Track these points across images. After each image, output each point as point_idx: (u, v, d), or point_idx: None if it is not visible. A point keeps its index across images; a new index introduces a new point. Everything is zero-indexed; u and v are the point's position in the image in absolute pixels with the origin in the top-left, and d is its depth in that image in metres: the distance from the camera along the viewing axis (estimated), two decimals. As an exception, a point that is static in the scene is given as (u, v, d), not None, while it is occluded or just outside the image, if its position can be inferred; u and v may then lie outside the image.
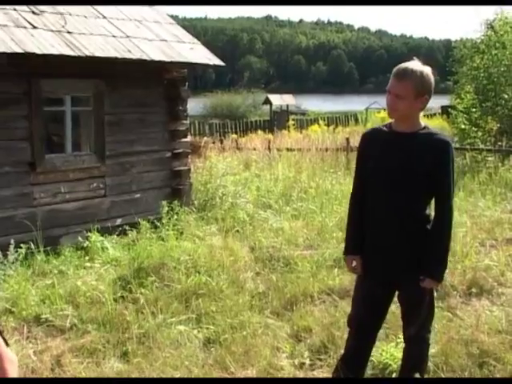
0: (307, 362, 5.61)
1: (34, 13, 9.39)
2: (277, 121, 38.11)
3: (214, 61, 11.44)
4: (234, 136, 25.60)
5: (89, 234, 9.26)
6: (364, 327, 4.69)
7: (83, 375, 5.40)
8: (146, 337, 6.09)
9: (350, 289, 5.88)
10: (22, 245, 8.24)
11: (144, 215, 10.08)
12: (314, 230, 9.75)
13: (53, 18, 9.57)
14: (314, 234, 9.59)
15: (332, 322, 6.19)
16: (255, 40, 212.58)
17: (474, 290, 7.16)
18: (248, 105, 49.17)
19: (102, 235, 9.32)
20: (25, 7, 9.37)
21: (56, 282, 7.42)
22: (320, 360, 5.63)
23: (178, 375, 5.32)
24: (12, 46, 8.34)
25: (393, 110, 4.36)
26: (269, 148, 19.22)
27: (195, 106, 36.18)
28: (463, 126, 19.39)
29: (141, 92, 10.56)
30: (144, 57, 10.02)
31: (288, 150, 18.61)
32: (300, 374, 5.41)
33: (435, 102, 41.10)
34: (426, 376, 4.89)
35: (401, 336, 4.91)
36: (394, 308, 5.02)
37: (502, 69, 19.10)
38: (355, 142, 13.56)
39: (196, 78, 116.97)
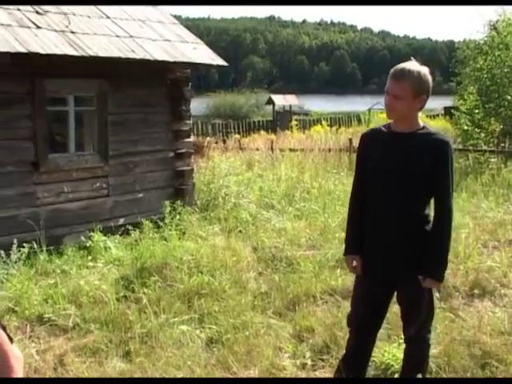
0: (309, 362, 5.62)
1: (37, 13, 9.41)
2: (280, 121, 38.10)
3: (217, 61, 11.46)
4: (237, 136, 25.58)
5: (92, 233, 9.27)
6: (364, 327, 4.70)
7: (86, 375, 5.41)
8: (148, 336, 6.09)
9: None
10: (24, 244, 8.26)
11: (147, 215, 10.09)
12: (316, 231, 9.75)
13: (56, 17, 9.58)
14: (316, 234, 9.59)
15: (334, 323, 6.20)
16: (258, 40, 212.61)
17: (476, 291, 7.16)
18: (251, 105, 49.17)
19: (105, 235, 9.33)
20: (29, 7, 9.38)
21: (59, 282, 7.43)
22: (322, 360, 5.64)
23: (180, 375, 5.33)
24: (16, 45, 8.35)
25: (391, 110, 4.37)
26: (272, 148, 19.22)
27: (198, 106, 36.21)
28: (466, 127, 19.38)
29: (144, 92, 10.57)
30: (147, 57, 10.03)
31: (291, 150, 18.61)
32: (302, 375, 5.42)
33: (438, 103, 41.10)
34: (427, 376, 4.90)
35: (403, 336, 4.91)
36: (396, 308, 5.03)
37: (506, 70, 19.07)
38: (358, 142, 13.56)
39: (199, 78, 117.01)
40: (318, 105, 63.26)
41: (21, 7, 9.25)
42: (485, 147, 17.46)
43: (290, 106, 44.04)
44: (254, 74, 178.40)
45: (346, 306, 6.42)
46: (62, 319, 6.51)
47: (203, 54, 11.30)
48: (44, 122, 9.24)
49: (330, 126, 32.74)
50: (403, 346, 4.81)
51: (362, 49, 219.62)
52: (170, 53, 10.54)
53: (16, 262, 8.02)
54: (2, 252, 8.03)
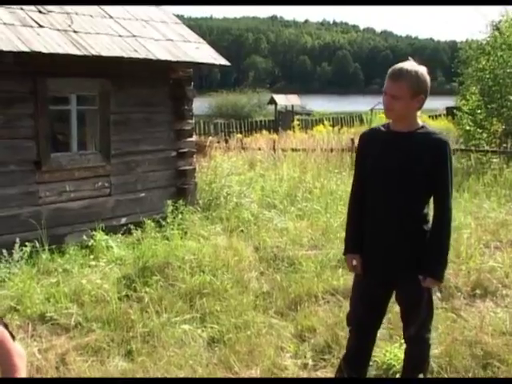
0: (311, 362, 5.63)
1: (40, 12, 9.42)
2: (282, 121, 38.14)
3: (220, 60, 11.45)
4: (239, 136, 25.60)
5: (94, 232, 9.27)
6: (363, 327, 4.71)
7: (88, 374, 5.41)
8: (150, 336, 6.10)
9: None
10: (27, 243, 8.27)
11: (149, 214, 10.10)
12: (318, 231, 9.75)
13: (59, 17, 9.59)
14: (318, 234, 9.59)
15: (336, 322, 6.20)
16: (260, 40, 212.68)
17: (478, 291, 7.16)
18: (253, 105, 49.24)
19: (107, 234, 9.34)
20: (31, 6, 9.39)
21: (61, 281, 7.43)
22: (324, 360, 5.64)
23: (182, 374, 5.33)
24: (18, 44, 8.36)
25: (389, 110, 4.39)
26: (274, 148, 19.22)
27: (200, 105, 36.21)
28: (468, 128, 19.37)
29: (147, 91, 10.57)
30: (150, 56, 10.03)
31: (293, 150, 18.61)
32: (304, 374, 5.42)
33: (440, 103, 41.11)
34: (429, 376, 4.91)
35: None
36: (398, 308, 5.03)
37: (508, 70, 19.05)
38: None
39: (201, 77, 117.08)
40: (320, 105, 63.30)
41: (24, 6, 9.26)
42: (487, 147, 17.46)
43: (292, 106, 44.07)
44: (257, 73, 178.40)
45: (348, 305, 6.44)
46: (64, 318, 6.52)
47: (206, 54, 11.30)
48: (46, 121, 9.24)
49: (332, 125, 32.78)
50: (404, 346, 4.82)
51: (364, 49, 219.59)
52: (172, 52, 10.55)
53: (18, 261, 8.04)
54: (5, 251, 8.05)
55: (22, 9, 9.19)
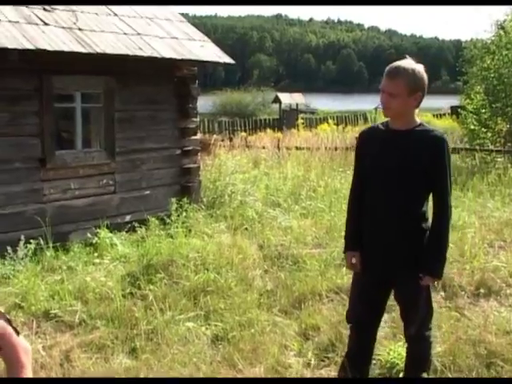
0: (315, 360, 5.63)
1: (45, 9, 9.43)
2: (286, 119, 38.11)
3: (224, 59, 11.46)
4: (244, 134, 25.59)
5: (98, 230, 9.29)
6: (362, 324, 4.74)
7: (92, 370, 5.43)
8: (154, 333, 6.11)
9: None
10: (31, 240, 8.30)
11: (153, 212, 10.12)
12: (322, 229, 9.74)
13: (64, 14, 9.61)
14: (322, 232, 9.59)
15: (340, 321, 6.18)
16: (265, 38, 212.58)
17: (482, 290, 7.15)
18: (257, 103, 49.26)
19: (111, 232, 9.35)
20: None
21: (65, 278, 7.45)
22: (328, 358, 5.64)
23: (186, 372, 5.34)
24: (23, 42, 8.37)
25: (387, 108, 4.41)
26: (278, 146, 19.22)
27: (205, 103, 36.17)
28: (473, 127, 19.33)
29: (151, 89, 10.59)
30: (155, 54, 10.04)
31: (297, 148, 18.61)
32: (307, 372, 5.42)
33: (445, 103, 41.06)
34: (433, 375, 4.91)
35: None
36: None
37: (513, 69, 19.02)
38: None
39: (206, 75, 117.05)
40: (324, 103, 63.29)
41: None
42: (491, 147, 17.44)
43: (297, 105, 44.03)
44: (261, 72, 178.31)
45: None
46: (68, 315, 6.53)
47: (210, 52, 11.31)
48: (51, 118, 9.27)
49: (337, 124, 32.78)
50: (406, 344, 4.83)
51: (368, 47, 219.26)
52: (177, 50, 10.55)
53: (23, 258, 8.06)
54: (9, 248, 8.07)
55: (27, 6, 9.20)
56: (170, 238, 8.90)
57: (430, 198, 4.46)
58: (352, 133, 24.48)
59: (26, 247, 8.16)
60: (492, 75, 19.56)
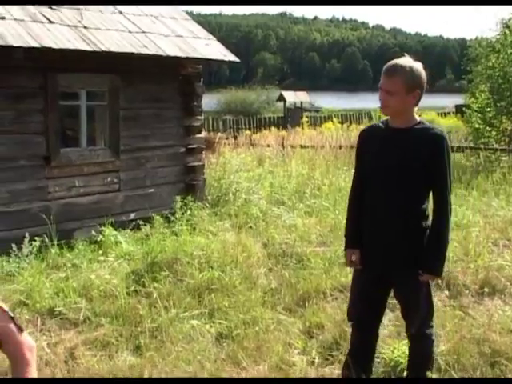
0: (319, 358, 5.63)
1: (50, 7, 9.44)
2: (290, 118, 38.06)
3: (229, 57, 11.47)
4: (248, 132, 25.58)
5: (102, 228, 9.31)
6: (363, 322, 4.74)
7: (96, 368, 5.44)
8: (158, 331, 6.12)
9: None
10: (36, 238, 8.31)
11: (158, 210, 10.12)
12: (327, 227, 9.74)
13: (69, 12, 9.62)
14: (326, 230, 9.58)
15: (344, 319, 6.16)
16: (269, 36, 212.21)
17: (486, 289, 7.14)
18: (262, 101, 49.25)
19: (116, 229, 9.37)
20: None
21: (70, 276, 7.47)
22: (332, 356, 5.64)
23: (190, 369, 5.35)
24: (29, 40, 8.39)
25: (385, 106, 4.42)
26: (282, 145, 19.22)
27: (209, 101, 36.19)
28: (477, 126, 19.28)
29: (156, 87, 10.60)
30: (160, 52, 10.05)
31: (302, 146, 18.62)
32: (311, 371, 5.42)
33: (449, 101, 40.98)
34: (437, 374, 4.91)
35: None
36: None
37: (518, 68, 18.98)
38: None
39: (210, 73, 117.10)
40: (328, 102, 63.31)
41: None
42: (496, 146, 17.41)
43: (301, 103, 43.98)
44: (265, 70, 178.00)
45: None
46: (73, 313, 6.55)
47: (215, 50, 11.32)
48: (56, 116, 9.28)
49: (341, 122, 32.74)
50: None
51: (373, 46, 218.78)
52: (182, 48, 10.56)
53: (27, 256, 8.08)
54: (14, 245, 8.09)
55: (32, 4, 9.21)
56: (175, 236, 8.91)
57: (431, 196, 4.46)
58: (356, 131, 24.37)
59: (31, 245, 8.18)
60: (497, 74, 19.51)
